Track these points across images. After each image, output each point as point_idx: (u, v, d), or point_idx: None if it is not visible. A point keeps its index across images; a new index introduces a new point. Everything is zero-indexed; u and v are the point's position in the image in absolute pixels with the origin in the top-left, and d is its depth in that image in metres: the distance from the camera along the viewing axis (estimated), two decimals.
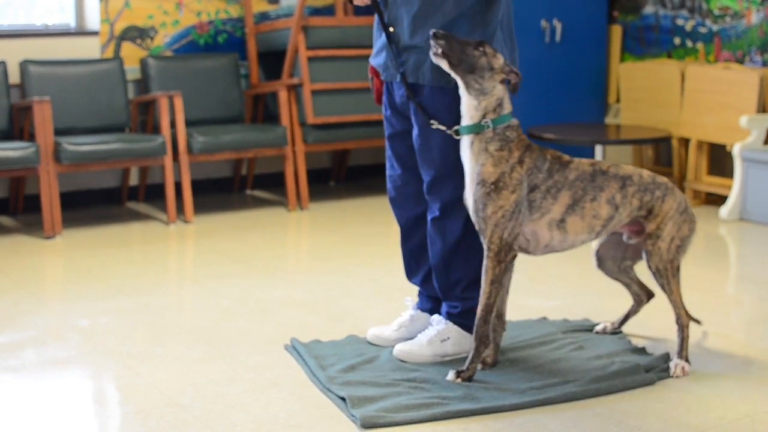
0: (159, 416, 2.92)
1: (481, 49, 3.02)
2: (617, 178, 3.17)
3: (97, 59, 6.10)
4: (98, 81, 6.00)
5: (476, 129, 3.05)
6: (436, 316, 3.42)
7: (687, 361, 3.25)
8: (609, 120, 6.98)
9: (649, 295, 3.61)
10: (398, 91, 3.31)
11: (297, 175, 6.22)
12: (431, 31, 3.02)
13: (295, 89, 6.21)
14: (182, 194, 5.82)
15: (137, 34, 6.29)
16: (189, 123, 6.05)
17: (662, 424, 2.85)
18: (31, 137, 5.68)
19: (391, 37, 3.23)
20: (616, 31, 6.99)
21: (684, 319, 3.29)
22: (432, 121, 3.17)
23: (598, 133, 6.16)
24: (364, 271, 4.64)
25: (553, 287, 4.26)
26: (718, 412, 2.94)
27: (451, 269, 3.31)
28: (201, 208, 6.11)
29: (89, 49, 6.16)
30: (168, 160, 5.72)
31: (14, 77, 5.92)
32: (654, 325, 3.69)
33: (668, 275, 3.24)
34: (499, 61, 3.04)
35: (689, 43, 6.55)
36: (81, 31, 6.24)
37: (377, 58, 3.36)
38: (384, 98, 3.41)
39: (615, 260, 3.50)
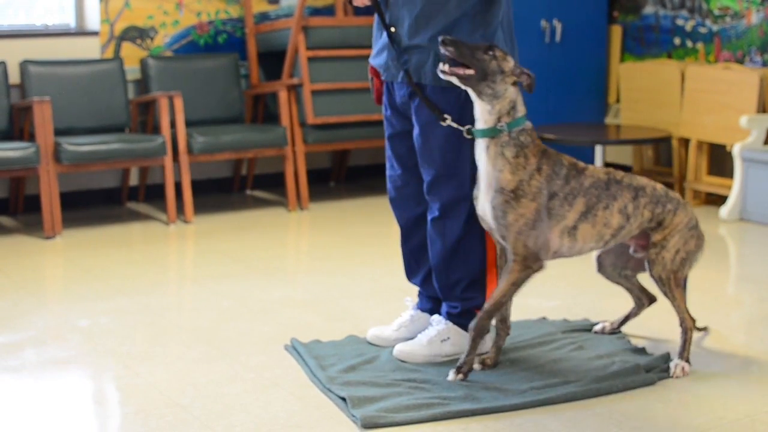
0: (159, 416, 2.92)
1: (491, 53, 3.00)
2: (630, 188, 3.17)
3: (97, 59, 6.10)
4: (98, 81, 6.00)
5: (491, 133, 3.03)
6: (436, 317, 3.42)
7: (688, 362, 3.25)
8: (609, 120, 6.98)
9: (651, 299, 3.60)
10: (399, 91, 3.31)
11: (297, 175, 6.22)
12: (439, 38, 3.01)
13: (295, 89, 6.21)
14: (182, 194, 5.82)
15: (137, 34, 6.29)
16: (189, 123, 6.05)
17: (662, 424, 2.85)
18: (31, 137, 5.68)
19: (393, 37, 3.23)
20: (616, 31, 6.99)
21: (688, 323, 3.29)
22: (445, 116, 3.15)
23: (598, 133, 6.16)
24: (364, 271, 4.64)
25: (553, 287, 4.26)
26: (718, 412, 2.94)
27: (450, 269, 3.31)
28: (201, 208, 6.11)
29: (89, 49, 6.16)
30: (168, 160, 5.72)
31: (14, 77, 5.92)
32: (654, 325, 3.69)
33: (671, 284, 3.24)
34: (510, 63, 3.03)
35: (689, 44, 6.55)
36: (81, 31, 6.24)
37: (378, 59, 3.36)
38: (384, 98, 3.41)
39: (615, 267, 3.50)
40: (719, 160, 6.25)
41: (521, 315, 3.80)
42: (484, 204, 3.08)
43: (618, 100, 6.93)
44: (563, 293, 4.18)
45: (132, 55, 6.26)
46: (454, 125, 3.14)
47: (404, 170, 3.41)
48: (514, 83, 3.04)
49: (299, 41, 6.10)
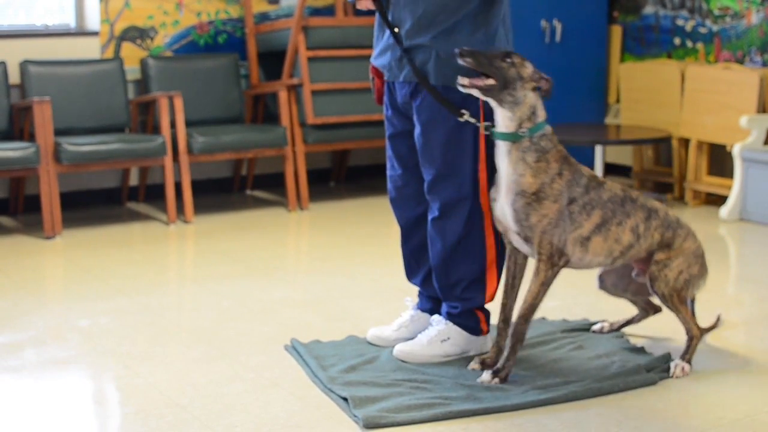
0: (159, 416, 2.92)
1: (508, 60, 3.02)
2: (644, 209, 3.20)
3: (97, 59, 6.10)
4: (98, 81, 6.00)
5: (513, 137, 3.04)
6: (436, 317, 3.42)
7: (689, 363, 3.25)
8: (609, 120, 6.98)
9: (656, 309, 3.61)
10: (400, 91, 3.31)
11: (297, 175, 6.22)
12: (456, 50, 3.01)
13: (295, 89, 6.21)
14: (182, 194, 5.82)
15: (137, 34, 6.29)
16: (189, 123, 6.05)
17: (662, 424, 2.85)
18: (31, 137, 5.68)
19: (396, 38, 3.23)
20: (616, 32, 6.99)
21: (694, 331, 3.29)
22: (463, 111, 3.15)
23: (598, 133, 6.16)
24: (364, 271, 4.64)
25: (553, 288, 4.24)
26: (718, 412, 2.94)
27: (451, 269, 3.31)
28: (201, 208, 6.11)
29: (89, 49, 6.16)
30: (168, 160, 5.72)
31: (14, 77, 5.92)
32: (653, 324, 3.69)
33: (674, 301, 3.25)
34: (528, 69, 3.05)
35: (689, 44, 6.55)
36: (81, 32, 6.24)
37: (380, 59, 3.36)
38: (385, 98, 3.41)
39: (616, 288, 3.53)
40: (719, 160, 6.25)
41: None
42: (503, 206, 3.09)
43: (618, 100, 6.93)
44: (563, 293, 4.18)
45: (132, 55, 6.26)
46: (472, 120, 3.15)
47: (405, 170, 3.41)
48: (534, 89, 3.05)
49: (299, 41, 6.10)
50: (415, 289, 3.64)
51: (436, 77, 3.18)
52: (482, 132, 3.14)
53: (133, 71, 6.25)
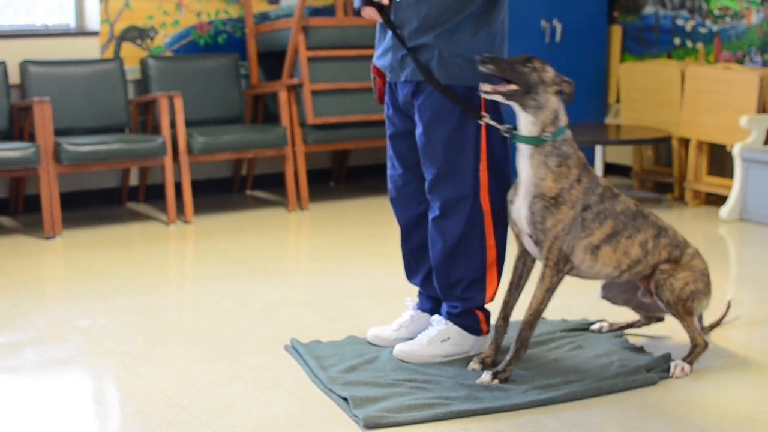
0: (159, 416, 2.92)
1: (529, 65, 3.03)
2: (654, 226, 3.24)
3: (97, 59, 6.10)
4: (98, 81, 6.00)
5: (536, 141, 3.05)
6: (436, 317, 3.42)
7: (691, 365, 3.25)
8: (609, 120, 6.98)
9: (658, 318, 3.63)
10: (402, 91, 3.31)
11: (297, 175, 6.22)
12: (477, 57, 3.02)
13: (295, 89, 6.21)
14: (182, 194, 5.82)
15: (137, 34, 6.29)
16: (189, 123, 6.05)
17: (662, 424, 2.85)
18: (31, 137, 5.68)
19: (400, 39, 3.23)
20: (616, 32, 6.99)
21: (699, 340, 3.30)
22: (484, 114, 3.16)
23: (598, 133, 6.16)
24: (364, 271, 4.64)
25: None
26: (718, 412, 2.94)
27: (451, 269, 3.31)
28: (201, 208, 6.11)
29: (89, 49, 6.16)
30: (168, 160, 5.72)
31: (14, 77, 5.92)
32: (653, 325, 3.68)
33: (679, 309, 3.26)
34: (549, 73, 3.06)
35: (689, 44, 6.55)
36: (81, 32, 6.24)
37: (382, 60, 3.36)
38: (386, 98, 3.42)
39: (617, 300, 3.55)
40: (719, 160, 6.25)
41: (521, 315, 3.79)
42: (519, 208, 3.11)
43: (618, 100, 6.93)
44: (563, 293, 4.17)
45: (132, 55, 6.26)
46: (493, 123, 3.15)
47: (405, 170, 3.41)
48: (556, 92, 3.06)
49: (299, 41, 6.10)
50: (414, 289, 3.64)
51: (439, 76, 3.19)
52: (504, 134, 3.13)
53: (133, 71, 6.25)
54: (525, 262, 3.24)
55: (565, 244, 3.06)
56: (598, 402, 3.01)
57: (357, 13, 3.33)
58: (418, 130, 3.28)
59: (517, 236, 3.21)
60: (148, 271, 4.71)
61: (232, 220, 5.89)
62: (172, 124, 5.87)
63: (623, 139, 6.04)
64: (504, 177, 3.30)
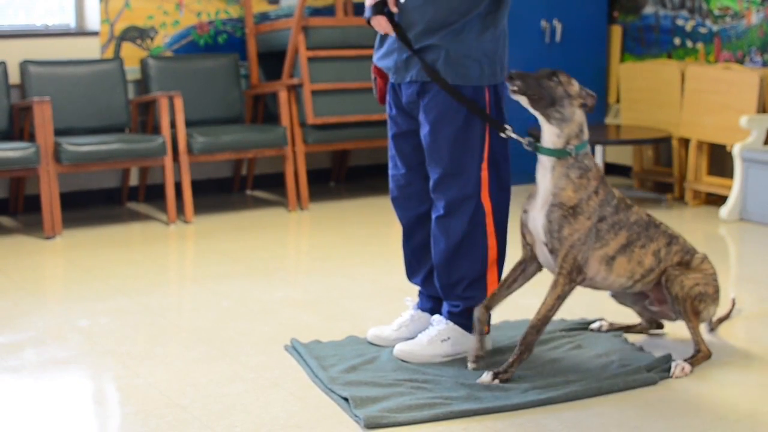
0: (159, 416, 2.92)
1: (555, 79, 3.05)
2: (666, 235, 3.30)
3: (97, 59, 6.10)
4: (98, 81, 6.00)
5: (560, 154, 3.08)
6: (436, 316, 3.42)
7: (692, 366, 3.26)
8: (609, 120, 6.98)
9: (659, 326, 3.65)
10: (406, 91, 3.31)
11: (297, 175, 6.22)
12: (507, 74, 3.06)
13: (295, 89, 6.21)
14: (182, 194, 5.82)
15: (137, 34, 6.29)
16: (189, 123, 6.05)
17: (662, 424, 2.85)
18: (31, 137, 5.68)
19: (406, 41, 3.23)
20: (616, 32, 7.00)
21: (702, 347, 3.31)
22: (507, 127, 3.20)
23: (598, 133, 6.16)
24: (364, 271, 4.64)
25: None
26: (718, 412, 2.94)
27: (453, 268, 3.31)
28: (201, 208, 6.11)
29: (89, 49, 6.16)
30: (168, 160, 5.72)
31: (14, 77, 5.92)
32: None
33: (686, 307, 3.28)
34: (575, 87, 3.08)
35: (689, 44, 6.55)
36: (81, 32, 6.24)
37: (384, 60, 3.36)
38: (389, 98, 3.42)
39: (624, 301, 3.57)
40: (719, 160, 6.25)
41: (520, 315, 3.80)
42: (536, 218, 3.13)
43: (618, 100, 6.93)
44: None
45: (132, 55, 6.26)
46: (515, 137, 3.17)
47: (408, 169, 3.41)
48: (581, 105, 3.09)
49: (299, 41, 6.10)
50: (414, 289, 3.64)
51: (445, 75, 3.19)
52: (526, 147, 3.14)
53: (133, 71, 6.26)
54: (525, 269, 3.24)
55: (580, 254, 3.09)
56: (598, 402, 3.01)
57: (368, 22, 3.31)
58: (424, 130, 3.28)
59: (528, 246, 3.22)
60: (148, 271, 4.71)
61: (232, 220, 5.89)
62: (172, 124, 5.87)
63: (623, 139, 6.04)
64: (503, 176, 3.31)
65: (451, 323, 3.36)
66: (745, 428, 2.84)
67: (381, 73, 3.42)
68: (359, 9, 6.66)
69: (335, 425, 2.85)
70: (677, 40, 6.63)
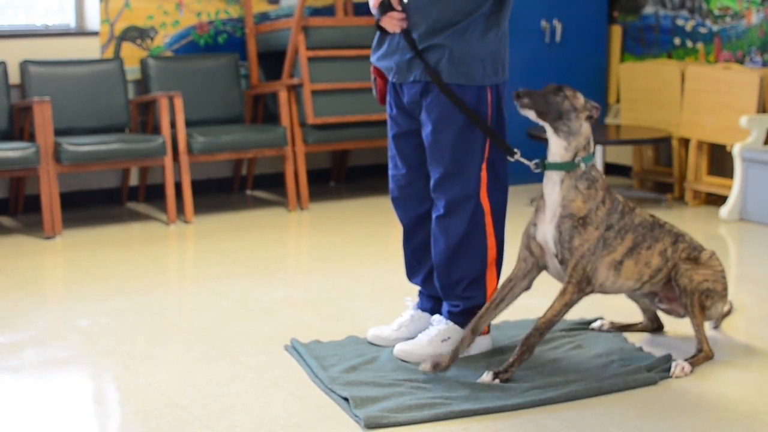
0: (159, 416, 2.92)
1: (561, 94, 3.09)
2: (671, 234, 3.33)
3: (97, 59, 6.10)
4: (98, 81, 6.00)
5: (569, 167, 3.11)
6: (436, 316, 3.43)
7: (692, 366, 3.26)
8: (609, 120, 6.98)
9: (660, 327, 3.66)
10: (409, 91, 3.31)
11: (297, 175, 6.22)
12: (514, 93, 3.08)
13: (295, 89, 6.21)
14: (182, 194, 5.82)
15: (137, 34, 6.29)
16: (189, 123, 6.05)
17: (662, 424, 2.85)
18: (31, 137, 5.68)
19: (411, 42, 3.23)
20: (616, 32, 7.00)
21: (705, 347, 3.32)
22: (515, 150, 3.22)
23: (598, 133, 6.16)
24: (364, 271, 4.64)
25: (553, 288, 4.25)
26: (718, 412, 2.94)
27: (453, 268, 3.31)
28: (201, 208, 6.11)
29: (89, 49, 6.16)
30: (168, 160, 5.72)
31: (14, 77, 5.92)
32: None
33: (694, 300, 3.30)
34: (580, 100, 3.11)
35: (689, 44, 6.55)
36: (81, 32, 6.24)
37: (384, 61, 3.36)
38: (389, 98, 3.42)
39: (630, 296, 3.57)
40: (719, 160, 6.25)
41: (520, 315, 3.80)
42: (545, 230, 3.14)
43: (618, 100, 6.93)
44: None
45: (132, 55, 6.26)
46: (523, 160, 3.18)
47: (409, 169, 3.42)
48: (587, 118, 3.12)
49: (299, 41, 6.10)
50: (414, 289, 3.64)
51: (449, 75, 3.20)
52: (534, 170, 3.15)
53: (133, 71, 6.26)
54: (513, 288, 3.23)
55: (589, 264, 3.12)
56: (597, 402, 3.01)
57: (377, 25, 3.30)
58: (426, 130, 3.28)
59: (528, 260, 3.21)
60: (148, 271, 4.71)
61: (232, 220, 5.89)
62: (172, 124, 5.87)
63: (623, 139, 6.04)
64: (501, 176, 3.32)
65: (451, 323, 3.36)
66: (745, 428, 2.84)
67: (381, 74, 3.42)
68: (359, 9, 6.66)
69: (335, 425, 2.86)
70: (677, 40, 6.63)
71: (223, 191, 6.70)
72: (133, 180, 6.38)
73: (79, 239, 5.38)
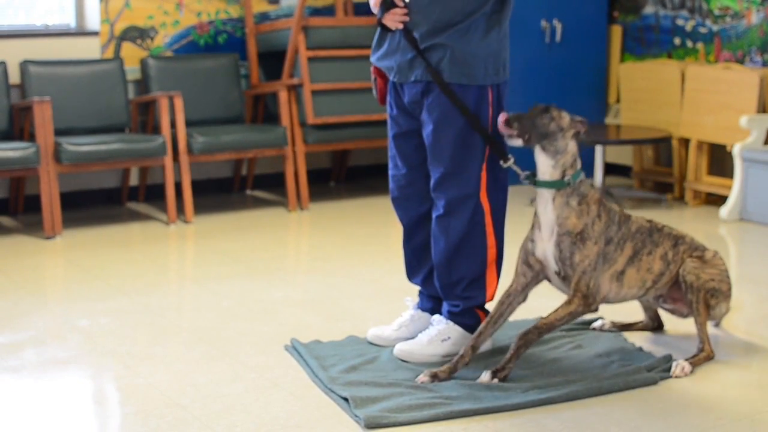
0: (159, 416, 2.92)
1: (548, 115, 3.11)
2: (671, 237, 3.35)
3: (97, 59, 6.10)
4: (98, 81, 6.00)
5: (558, 185, 3.13)
6: (436, 316, 3.43)
7: (692, 366, 3.26)
8: (609, 120, 6.98)
9: (660, 326, 3.67)
10: (410, 91, 3.31)
11: (297, 175, 6.22)
12: (503, 118, 3.10)
13: (295, 89, 6.21)
14: (182, 194, 5.82)
15: (137, 34, 6.29)
16: (189, 123, 6.05)
17: (662, 424, 2.85)
18: (32, 137, 5.68)
19: (412, 41, 3.23)
20: (616, 31, 7.00)
21: (706, 347, 3.33)
22: (510, 157, 3.23)
23: (598, 133, 6.16)
24: (364, 271, 4.64)
25: (552, 288, 4.25)
26: (718, 412, 2.94)
27: (453, 268, 3.31)
28: (201, 208, 6.11)
29: (89, 49, 6.16)
30: (168, 160, 5.72)
31: (14, 77, 5.92)
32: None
33: (700, 297, 3.32)
34: (566, 119, 3.13)
35: (689, 44, 6.55)
36: (81, 32, 6.24)
37: (385, 61, 3.36)
38: (389, 98, 3.42)
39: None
40: (719, 160, 6.25)
41: (520, 315, 3.79)
42: (546, 249, 3.16)
43: (618, 100, 6.93)
44: (562, 294, 4.18)
45: (132, 55, 6.26)
46: (514, 168, 3.21)
47: (409, 169, 3.41)
48: (574, 135, 3.14)
49: (299, 41, 6.10)
50: (414, 289, 3.64)
51: (450, 74, 3.20)
52: (523, 180, 3.17)
53: (133, 71, 6.25)
54: (512, 303, 3.25)
55: (592, 280, 3.14)
56: (597, 402, 3.01)
57: (380, 23, 3.30)
58: (427, 129, 3.28)
59: (530, 272, 3.22)
60: (148, 271, 4.71)
61: (232, 220, 5.89)
62: (172, 124, 5.87)
63: (623, 139, 6.04)
64: (501, 176, 3.32)
65: (451, 323, 3.36)
66: (745, 428, 2.84)
67: (381, 74, 3.42)
68: (359, 9, 6.66)
69: (335, 425, 2.86)
70: (677, 40, 6.63)
71: (223, 191, 6.70)
72: (133, 180, 6.38)
73: (79, 239, 5.38)
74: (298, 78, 6.15)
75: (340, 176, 7.06)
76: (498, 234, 3.33)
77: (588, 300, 3.14)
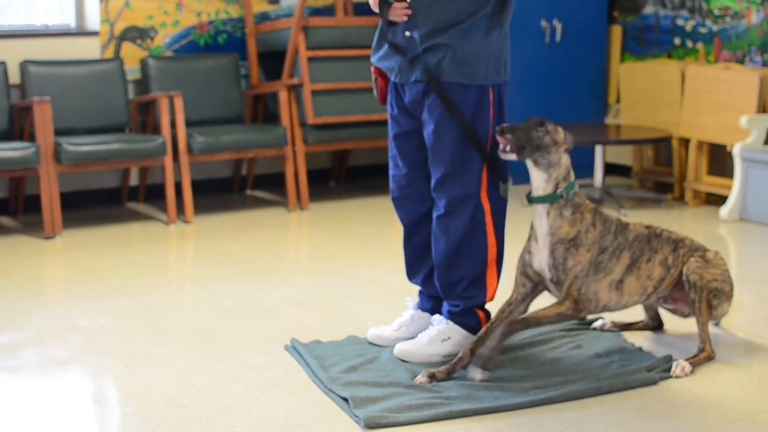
0: (159, 416, 2.92)
1: (542, 129, 3.13)
2: (670, 241, 3.36)
3: (97, 59, 6.10)
4: (98, 81, 6.00)
5: (552, 199, 3.16)
6: (437, 316, 3.43)
7: (692, 366, 3.26)
8: (609, 120, 6.98)
9: (660, 326, 3.68)
10: (411, 91, 3.31)
11: (297, 175, 6.22)
12: (497, 128, 3.11)
13: (295, 89, 6.21)
14: (182, 194, 5.82)
15: (137, 34, 6.29)
16: (189, 123, 6.05)
17: (662, 424, 2.85)
18: (32, 137, 5.68)
19: (411, 41, 3.24)
20: (616, 31, 7.00)
21: (707, 347, 3.34)
22: (506, 185, 3.29)
23: (598, 133, 6.16)
24: (364, 271, 4.64)
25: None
26: (718, 412, 2.94)
27: (453, 267, 3.31)
28: (201, 208, 6.11)
29: (89, 49, 6.16)
30: (168, 160, 5.72)
31: (14, 77, 5.92)
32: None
33: (702, 296, 3.33)
34: (560, 134, 3.17)
35: (689, 44, 6.55)
36: (81, 32, 6.24)
37: (386, 61, 3.36)
38: (390, 98, 3.42)
39: None
40: (719, 160, 6.25)
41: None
42: (542, 260, 3.18)
43: (618, 100, 6.93)
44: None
45: (132, 55, 6.26)
46: (508, 185, 3.29)
47: (410, 169, 3.42)
48: (566, 149, 3.17)
49: (299, 41, 6.10)
50: (414, 289, 3.64)
51: (451, 74, 3.20)
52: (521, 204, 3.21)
53: (133, 71, 6.25)
54: (512, 312, 3.26)
55: (584, 286, 3.15)
56: (597, 402, 3.01)
57: (386, 20, 3.30)
58: (428, 129, 3.28)
59: (529, 283, 3.24)
60: (148, 271, 4.71)
61: (232, 220, 5.89)
62: (172, 124, 5.87)
63: (623, 139, 6.04)
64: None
65: (451, 323, 3.36)
66: (745, 428, 2.84)
67: (381, 74, 3.42)
68: (359, 9, 6.66)
69: (335, 425, 2.86)
70: (677, 40, 6.63)
71: (223, 191, 6.70)
72: (133, 180, 6.38)
73: (79, 239, 5.38)
74: (298, 78, 6.15)
75: (340, 176, 7.06)
76: (498, 234, 3.33)
77: (578, 306, 3.15)
